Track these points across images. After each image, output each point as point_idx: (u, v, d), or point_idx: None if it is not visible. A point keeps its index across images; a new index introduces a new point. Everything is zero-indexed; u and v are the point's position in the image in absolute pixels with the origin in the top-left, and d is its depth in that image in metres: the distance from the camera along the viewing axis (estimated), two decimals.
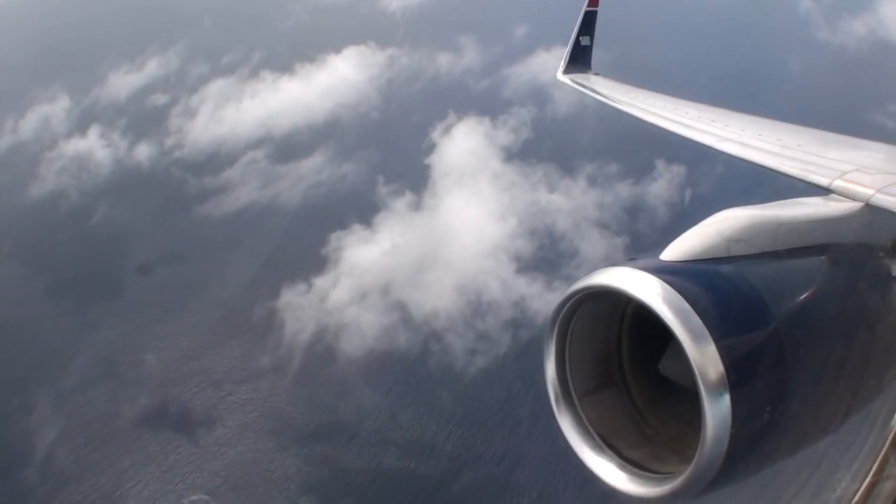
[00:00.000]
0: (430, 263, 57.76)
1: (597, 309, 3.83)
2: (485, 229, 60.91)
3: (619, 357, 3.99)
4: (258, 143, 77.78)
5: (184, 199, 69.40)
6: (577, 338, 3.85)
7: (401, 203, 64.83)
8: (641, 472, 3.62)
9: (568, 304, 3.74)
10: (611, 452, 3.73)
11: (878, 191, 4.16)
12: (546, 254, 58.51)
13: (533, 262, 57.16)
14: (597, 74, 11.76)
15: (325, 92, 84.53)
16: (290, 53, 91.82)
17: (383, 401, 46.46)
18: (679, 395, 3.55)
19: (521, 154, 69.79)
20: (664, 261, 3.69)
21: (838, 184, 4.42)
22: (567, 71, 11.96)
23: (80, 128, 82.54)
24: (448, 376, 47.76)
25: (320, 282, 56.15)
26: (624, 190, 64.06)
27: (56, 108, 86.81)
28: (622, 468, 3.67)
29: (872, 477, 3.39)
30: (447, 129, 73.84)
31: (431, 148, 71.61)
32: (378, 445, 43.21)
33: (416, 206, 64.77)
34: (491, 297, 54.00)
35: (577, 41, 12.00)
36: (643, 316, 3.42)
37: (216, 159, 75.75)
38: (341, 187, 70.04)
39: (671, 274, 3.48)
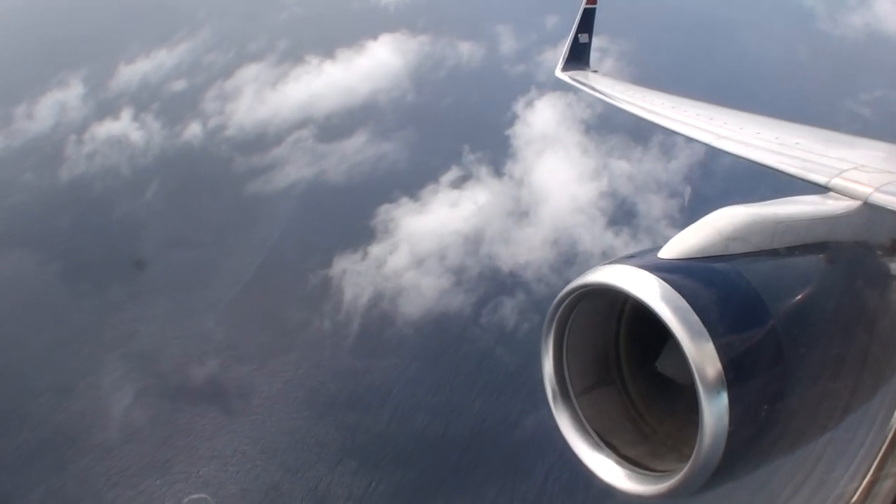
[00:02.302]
0: (510, 223, 59.90)
1: (595, 306, 3.60)
2: (566, 191, 62.87)
3: (617, 354, 3.76)
4: (302, 123, 77.12)
5: (232, 177, 68.95)
6: (575, 335, 3.61)
7: (484, 170, 66.15)
8: (639, 470, 3.40)
9: (566, 302, 3.51)
10: (608, 450, 3.50)
11: (877, 189, 3.89)
12: (621, 214, 60.52)
13: (614, 220, 59.45)
14: (595, 72, 11.23)
15: (363, 76, 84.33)
16: (307, 43, 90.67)
17: (423, 364, 46.35)
18: (677, 393, 3.34)
19: (596, 126, 70.01)
20: (662, 258, 3.45)
21: (837, 182, 4.14)
22: (566, 68, 11.40)
23: (107, 112, 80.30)
24: (504, 335, 48.02)
25: (375, 250, 56.80)
26: (687, 157, 65.11)
27: (72, 94, 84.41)
28: (619, 466, 3.44)
29: (871, 476, 3.15)
30: (528, 104, 74.04)
31: (511, 121, 71.86)
32: (413, 409, 42.93)
33: (498, 173, 66.10)
34: (583, 248, 56.56)
35: (575, 39, 11.46)
36: (641, 313, 3.20)
37: (264, 139, 75.36)
38: (383, 165, 70.31)
39: (669, 272, 3.25)
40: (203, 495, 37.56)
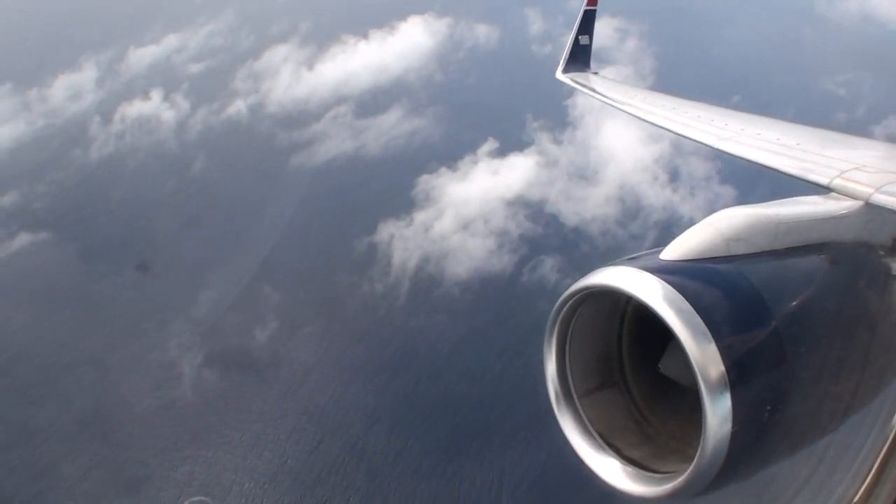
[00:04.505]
0: (571, 185, 61.32)
1: (597, 308, 3.38)
2: (624, 153, 63.86)
3: (620, 356, 3.53)
4: (339, 100, 77.19)
5: (274, 152, 68.98)
6: (578, 337, 3.40)
7: (545, 137, 67.07)
8: (642, 472, 3.19)
9: (568, 304, 3.29)
10: (611, 452, 3.30)
11: (878, 189, 3.60)
12: (671, 175, 61.72)
13: (670, 179, 61.11)
14: (595, 73, 10.58)
15: (395, 56, 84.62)
16: (337, 23, 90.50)
17: (471, 324, 45.98)
18: (680, 395, 3.12)
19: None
20: (664, 260, 3.21)
21: (838, 182, 3.85)
22: (566, 70, 10.68)
23: (135, 94, 79.63)
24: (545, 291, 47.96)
25: (420, 216, 57.28)
26: None
27: (85, 76, 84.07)
28: (623, 467, 3.24)
29: (872, 477, 2.94)
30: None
31: (569, 93, 70.73)
32: (444, 372, 42.45)
33: (558, 140, 67.08)
34: (645, 203, 58.57)
35: (576, 40, 10.79)
36: (643, 315, 2.99)
37: (304, 115, 75.41)
38: (418, 139, 70.56)
39: (671, 273, 3.03)
40: (203, 497, 36.29)
